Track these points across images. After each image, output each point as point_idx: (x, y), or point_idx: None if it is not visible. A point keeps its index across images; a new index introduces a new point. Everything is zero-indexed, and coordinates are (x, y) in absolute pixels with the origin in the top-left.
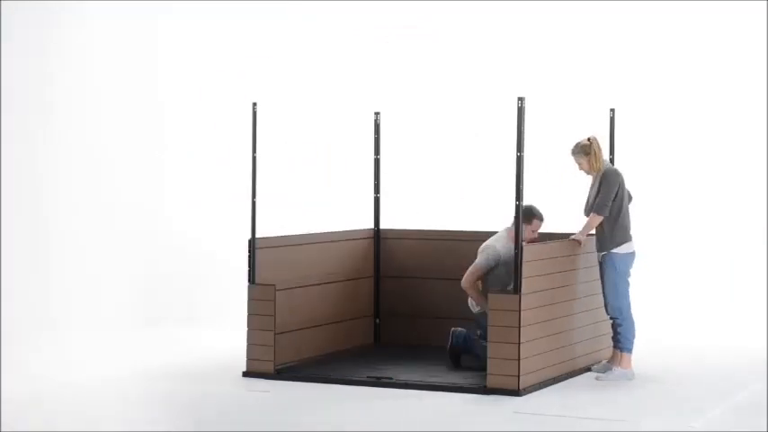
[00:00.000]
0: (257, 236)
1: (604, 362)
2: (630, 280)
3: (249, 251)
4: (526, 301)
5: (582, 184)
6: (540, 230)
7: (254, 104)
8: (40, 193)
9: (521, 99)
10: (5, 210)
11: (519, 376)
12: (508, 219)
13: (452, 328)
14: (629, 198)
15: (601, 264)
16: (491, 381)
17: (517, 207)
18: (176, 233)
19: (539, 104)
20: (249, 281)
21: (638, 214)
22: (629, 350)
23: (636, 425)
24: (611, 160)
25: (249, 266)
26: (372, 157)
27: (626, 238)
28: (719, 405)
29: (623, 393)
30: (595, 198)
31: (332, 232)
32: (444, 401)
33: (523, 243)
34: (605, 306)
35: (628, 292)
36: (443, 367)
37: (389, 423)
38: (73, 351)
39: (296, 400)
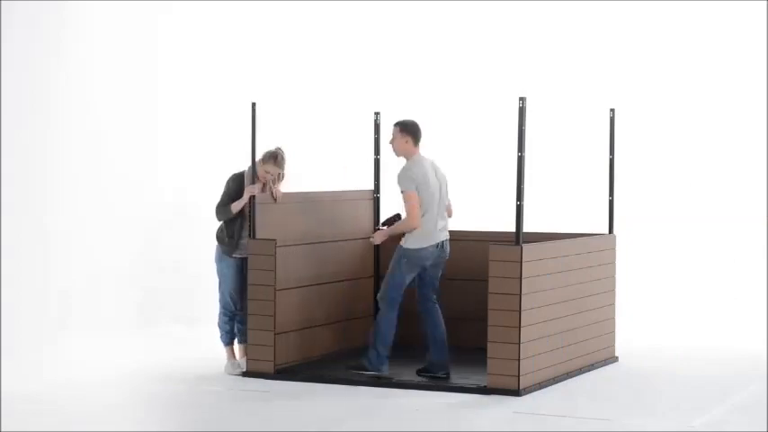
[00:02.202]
0: (257, 236)
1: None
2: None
3: (249, 252)
4: (526, 300)
5: (582, 185)
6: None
7: (254, 104)
8: (39, 193)
9: (522, 99)
10: (5, 209)
11: (519, 376)
12: (508, 219)
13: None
14: None
15: None
16: (491, 381)
17: (517, 207)
18: (176, 233)
19: (539, 104)
20: (249, 281)
21: (637, 214)
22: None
23: (636, 425)
24: (611, 160)
25: (249, 267)
26: (372, 157)
27: None
28: (719, 405)
29: (623, 393)
30: None
31: (332, 232)
32: (444, 401)
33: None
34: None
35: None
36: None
37: (389, 423)
38: (73, 351)
39: (296, 400)
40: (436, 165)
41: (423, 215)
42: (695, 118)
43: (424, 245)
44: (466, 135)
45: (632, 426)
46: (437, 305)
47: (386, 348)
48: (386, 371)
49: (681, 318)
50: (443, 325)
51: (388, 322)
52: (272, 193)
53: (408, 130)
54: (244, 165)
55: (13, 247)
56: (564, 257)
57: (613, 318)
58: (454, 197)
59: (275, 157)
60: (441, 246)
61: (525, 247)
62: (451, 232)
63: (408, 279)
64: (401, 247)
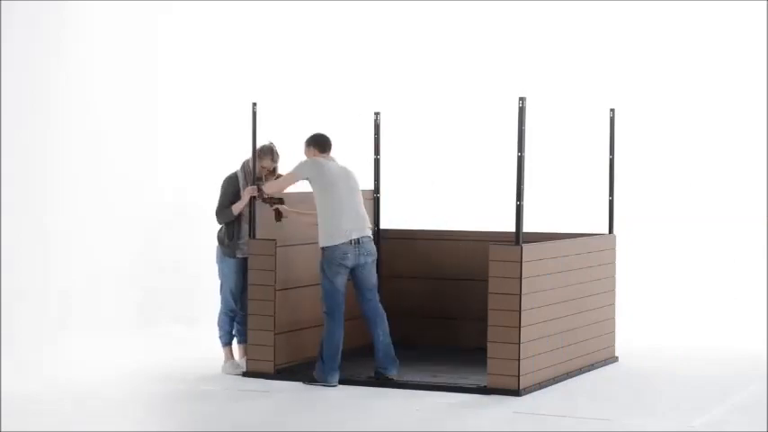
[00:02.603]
0: (257, 236)
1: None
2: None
3: (249, 252)
4: (526, 300)
5: (582, 185)
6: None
7: (254, 104)
8: (39, 193)
9: (521, 99)
10: (5, 209)
11: (519, 376)
12: (508, 219)
13: None
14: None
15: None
16: (491, 381)
17: (517, 207)
18: (176, 233)
19: (539, 104)
20: (249, 281)
21: (637, 214)
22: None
23: (636, 425)
24: (611, 160)
25: (249, 267)
26: (372, 157)
27: None
28: (719, 405)
29: (623, 393)
30: None
31: None
32: (444, 401)
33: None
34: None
35: None
36: (444, 367)
37: (389, 423)
38: (73, 351)
39: (296, 400)
40: (348, 169)
41: (330, 213)
42: (695, 118)
43: (336, 242)
44: (466, 135)
45: (632, 426)
46: (375, 303)
47: (332, 359)
48: (333, 381)
49: (681, 318)
50: (382, 325)
51: (328, 333)
52: (261, 193)
53: (311, 143)
54: (239, 165)
55: (13, 247)
56: (564, 257)
57: (613, 318)
58: (454, 196)
59: (271, 152)
60: (356, 243)
61: (525, 247)
62: (452, 232)
63: (339, 282)
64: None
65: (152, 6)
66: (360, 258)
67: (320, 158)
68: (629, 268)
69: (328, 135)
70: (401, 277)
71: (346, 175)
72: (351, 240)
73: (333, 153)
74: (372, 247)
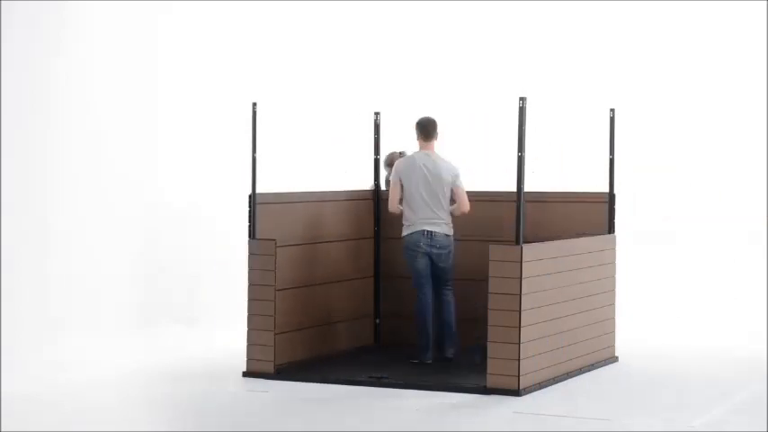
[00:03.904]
0: (257, 236)
1: None
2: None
3: (249, 252)
4: (526, 300)
5: (581, 184)
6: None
7: (254, 104)
8: (40, 193)
9: (522, 99)
10: (6, 209)
11: (519, 376)
12: (509, 218)
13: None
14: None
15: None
16: (491, 381)
17: (518, 207)
18: (176, 234)
19: (539, 104)
20: (249, 281)
21: (637, 215)
22: None
23: (636, 425)
24: (611, 160)
25: (249, 267)
26: (372, 157)
27: None
28: (719, 405)
29: (623, 393)
30: None
31: (332, 232)
32: (444, 401)
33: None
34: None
35: None
36: (444, 367)
37: (389, 423)
38: (73, 351)
39: (296, 400)
40: (436, 159)
41: (405, 205)
42: (695, 118)
43: (408, 232)
44: (466, 135)
45: (632, 426)
46: (441, 296)
47: (421, 336)
48: (426, 359)
49: (681, 318)
50: (444, 314)
51: (415, 312)
52: None
53: (416, 127)
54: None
55: (14, 247)
56: (564, 257)
57: (613, 318)
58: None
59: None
60: (427, 234)
61: (525, 247)
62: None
63: (417, 265)
64: None
65: (152, 6)
66: (429, 247)
67: (409, 155)
68: (629, 268)
69: (432, 119)
70: (401, 277)
71: (426, 166)
72: (422, 231)
73: (333, 153)
74: (439, 240)
